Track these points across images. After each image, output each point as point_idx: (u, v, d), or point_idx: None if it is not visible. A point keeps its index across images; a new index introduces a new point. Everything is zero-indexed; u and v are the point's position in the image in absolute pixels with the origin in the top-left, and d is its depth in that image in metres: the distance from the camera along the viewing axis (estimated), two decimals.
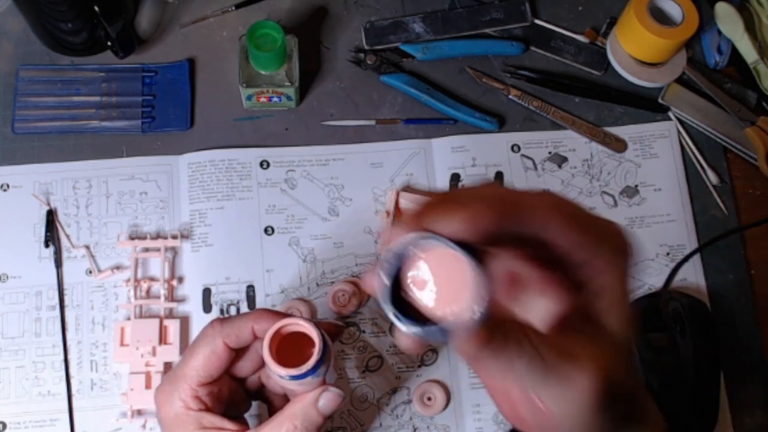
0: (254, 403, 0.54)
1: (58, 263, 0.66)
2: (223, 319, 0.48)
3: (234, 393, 0.50)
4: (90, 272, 0.66)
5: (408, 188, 0.70)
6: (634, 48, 0.72)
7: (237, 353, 0.48)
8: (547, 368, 0.30)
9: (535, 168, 0.71)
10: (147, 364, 0.63)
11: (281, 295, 0.66)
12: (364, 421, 0.64)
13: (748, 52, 0.74)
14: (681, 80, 0.74)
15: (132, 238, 0.66)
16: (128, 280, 0.65)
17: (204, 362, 0.46)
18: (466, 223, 0.29)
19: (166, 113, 0.71)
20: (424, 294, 0.30)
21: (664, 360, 0.63)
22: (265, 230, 0.68)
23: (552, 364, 0.30)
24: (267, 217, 0.68)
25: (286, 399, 0.50)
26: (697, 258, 0.69)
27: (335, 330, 0.51)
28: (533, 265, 0.33)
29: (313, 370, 0.44)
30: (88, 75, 0.72)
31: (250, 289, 0.66)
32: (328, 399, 0.44)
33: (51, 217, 0.67)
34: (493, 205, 0.30)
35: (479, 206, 0.29)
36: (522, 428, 0.34)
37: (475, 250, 0.30)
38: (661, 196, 0.71)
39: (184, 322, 0.65)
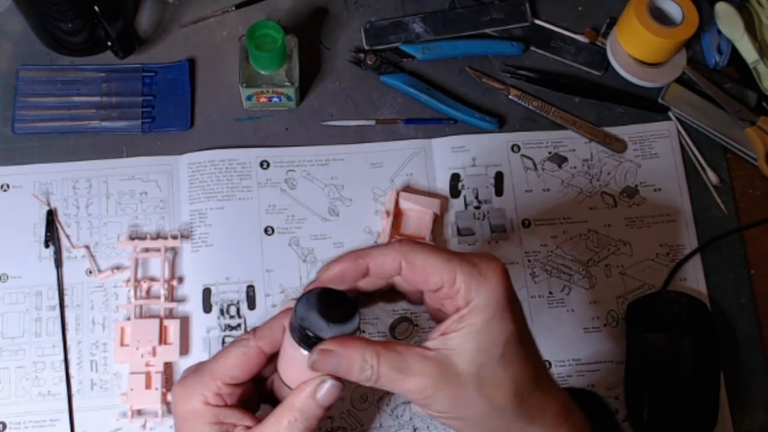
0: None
1: (58, 263, 0.66)
2: (258, 326, 0.48)
3: (248, 393, 0.49)
4: (90, 272, 0.66)
5: (408, 188, 0.70)
6: (634, 48, 0.72)
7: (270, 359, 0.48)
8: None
9: (535, 168, 0.71)
10: (147, 364, 0.63)
11: (281, 295, 0.66)
12: (364, 421, 0.64)
13: (748, 52, 0.74)
14: (681, 80, 0.74)
15: (132, 238, 0.66)
16: (128, 280, 0.65)
17: (236, 362, 0.46)
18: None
19: (166, 113, 0.71)
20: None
21: (664, 360, 0.63)
22: (265, 230, 0.68)
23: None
24: (267, 217, 0.68)
25: None
26: (697, 258, 0.69)
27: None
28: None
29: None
30: (88, 75, 0.72)
31: (250, 289, 0.66)
32: (325, 390, 0.43)
33: (51, 217, 0.67)
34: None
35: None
36: None
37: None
38: (661, 196, 0.71)
39: (184, 322, 0.65)
